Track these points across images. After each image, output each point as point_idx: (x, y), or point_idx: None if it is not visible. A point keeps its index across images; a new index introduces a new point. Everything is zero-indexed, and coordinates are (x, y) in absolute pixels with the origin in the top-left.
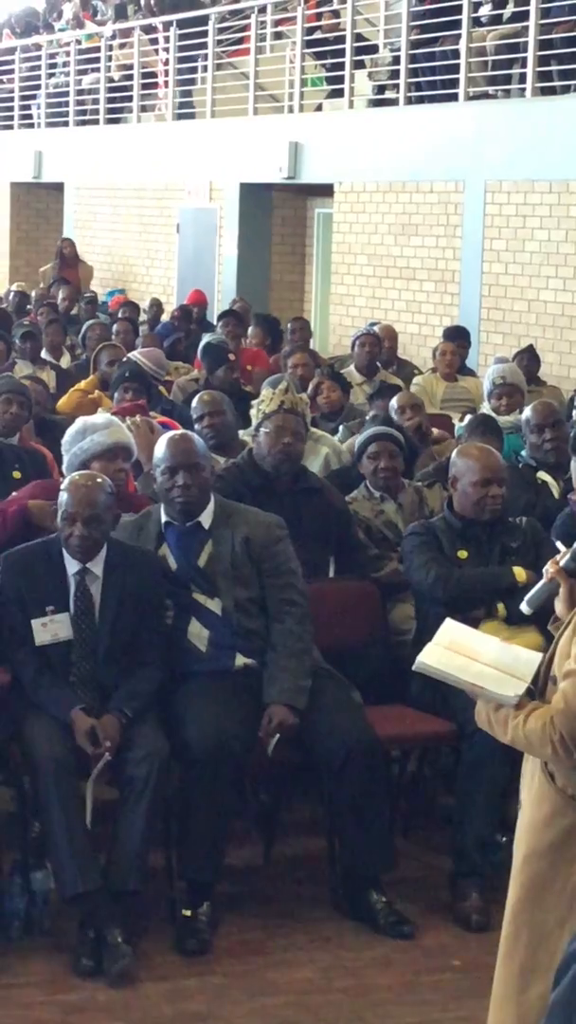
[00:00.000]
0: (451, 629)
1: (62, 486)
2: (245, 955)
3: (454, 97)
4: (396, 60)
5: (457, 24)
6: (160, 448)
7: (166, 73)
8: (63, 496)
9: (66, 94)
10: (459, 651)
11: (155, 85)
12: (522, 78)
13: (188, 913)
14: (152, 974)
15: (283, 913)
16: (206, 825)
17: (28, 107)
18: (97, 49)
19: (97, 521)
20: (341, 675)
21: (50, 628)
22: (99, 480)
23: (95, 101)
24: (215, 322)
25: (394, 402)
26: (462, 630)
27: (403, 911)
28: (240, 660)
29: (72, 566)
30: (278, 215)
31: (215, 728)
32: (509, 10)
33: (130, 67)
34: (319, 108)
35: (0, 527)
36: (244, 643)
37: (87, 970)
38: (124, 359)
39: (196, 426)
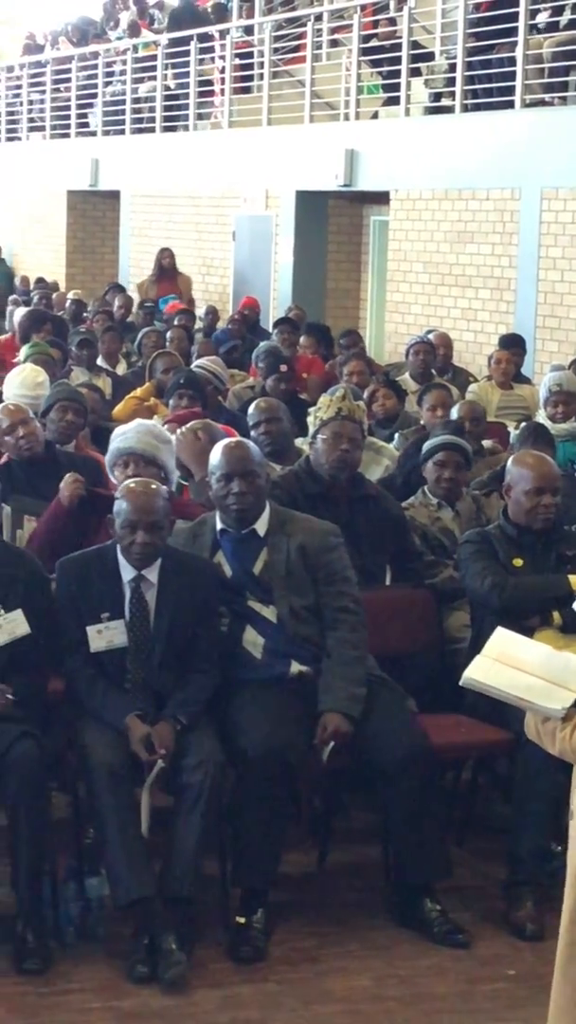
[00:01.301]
0: (502, 639)
1: (118, 493)
2: (299, 963)
3: (510, 104)
4: (452, 67)
5: (514, 31)
6: (215, 455)
7: (222, 81)
8: (121, 504)
9: (122, 102)
10: (508, 662)
11: (211, 93)
12: None
13: (242, 920)
14: (206, 981)
15: (337, 921)
16: (260, 832)
17: (85, 115)
18: (153, 57)
19: (158, 528)
20: (396, 683)
21: (105, 635)
22: (154, 486)
23: (151, 109)
24: (270, 329)
25: (455, 412)
26: (513, 639)
27: (457, 920)
28: (295, 667)
29: (127, 573)
30: (334, 223)
31: (270, 735)
32: (566, 17)
33: (187, 75)
34: (375, 116)
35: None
36: (299, 650)
37: (141, 977)
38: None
39: (252, 432)
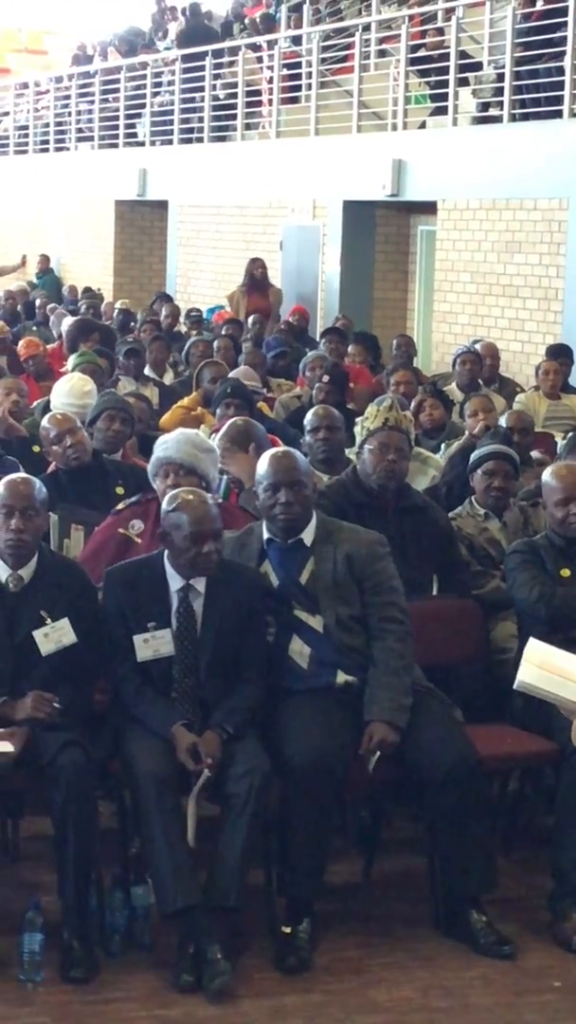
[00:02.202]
0: (538, 649)
1: (173, 506)
2: (344, 973)
3: (558, 114)
4: (500, 77)
5: (562, 41)
6: (262, 465)
7: (270, 91)
8: (181, 516)
9: (171, 112)
10: (551, 670)
11: (259, 103)
12: None
13: (288, 930)
14: (251, 991)
15: (383, 931)
16: (306, 842)
17: (133, 125)
18: (202, 68)
19: (220, 536)
20: (442, 693)
21: (152, 644)
22: (204, 494)
23: (199, 119)
24: (318, 339)
25: (503, 421)
26: (548, 650)
27: (503, 931)
28: (341, 677)
29: (175, 582)
30: (381, 232)
31: (316, 745)
32: None
33: (235, 85)
34: (423, 126)
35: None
36: (345, 660)
37: (187, 986)
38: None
39: (308, 438)
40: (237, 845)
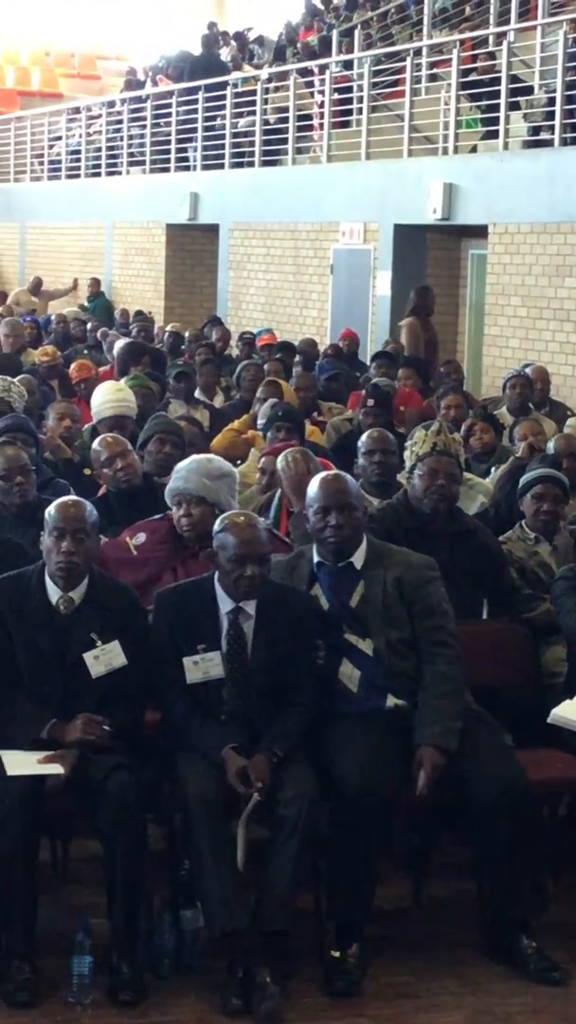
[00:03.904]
0: None
1: (221, 527)
2: (394, 998)
3: None
4: (551, 101)
5: None
6: (312, 488)
7: (321, 115)
8: (227, 538)
9: (222, 136)
10: None
11: (310, 127)
12: None
13: (337, 954)
14: (300, 1015)
15: (432, 956)
16: (355, 866)
17: (184, 149)
18: (253, 92)
19: (265, 560)
20: (492, 717)
21: (201, 666)
22: (255, 518)
23: (251, 143)
24: (368, 363)
25: (551, 446)
26: None
27: (553, 956)
28: (391, 701)
29: (225, 605)
30: (432, 256)
31: (365, 769)
32: None
33: (286, 109)
34: (474, 149)
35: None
36: (395, 684)
37: (236, 1010)
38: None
39: (362, 461)
40: (286, 869)
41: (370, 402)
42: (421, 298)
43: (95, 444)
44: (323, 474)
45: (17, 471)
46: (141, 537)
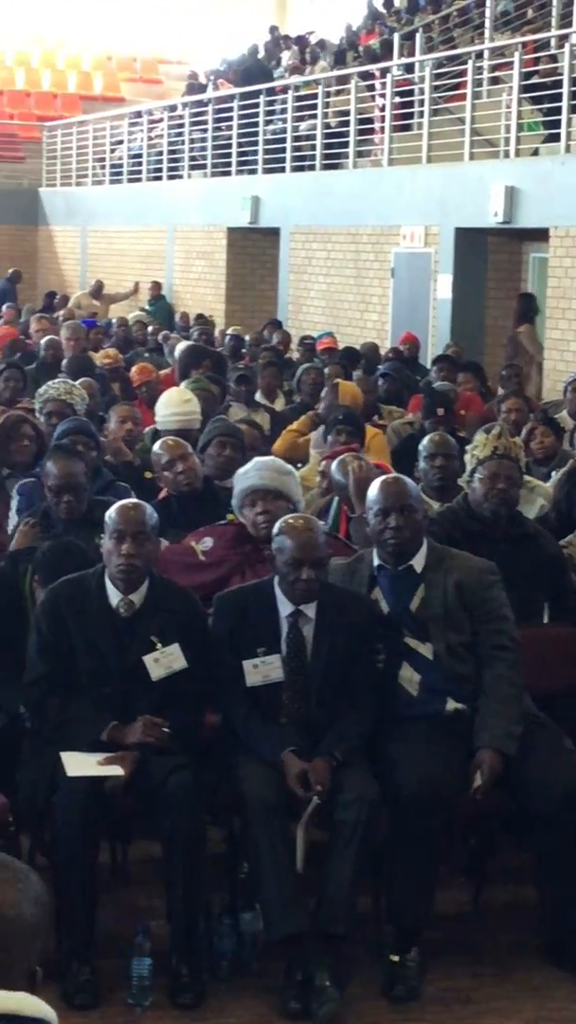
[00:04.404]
0: None
1: (279, 530)
2: (453, 1003)
3: None
4: None
5: None
6: (372, 491)
7: (382, 119)
8: (284, 541)
9: (283, 140)
10: None
11: (371, 131)
12: None
13: (396, 958)
14: (359, 1019)
15: (492, 961)
16: (415, 870)
17: (245, 153)
18: (314, 95)
19: (322, 564)
20: (552, 722)
21: (261, 669)
22: (313, 521)
23: (312, 147)
24: (429, 366)
25: None
26: None
27: None
28: (451, 705)
29: (285, 608)
30: (493, 260)
31: (425, 773)
32: None
33: (347, 113)
34: (535, 152)
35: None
36: (455, 688)
37: (295, 1013)
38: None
39: (423, 465)
40: (345, 872)
41: (440, 411)
42: (526, 304)
43: (156, 447)
44: (383, 477)
45: (67, 488)
46: (208, 542)
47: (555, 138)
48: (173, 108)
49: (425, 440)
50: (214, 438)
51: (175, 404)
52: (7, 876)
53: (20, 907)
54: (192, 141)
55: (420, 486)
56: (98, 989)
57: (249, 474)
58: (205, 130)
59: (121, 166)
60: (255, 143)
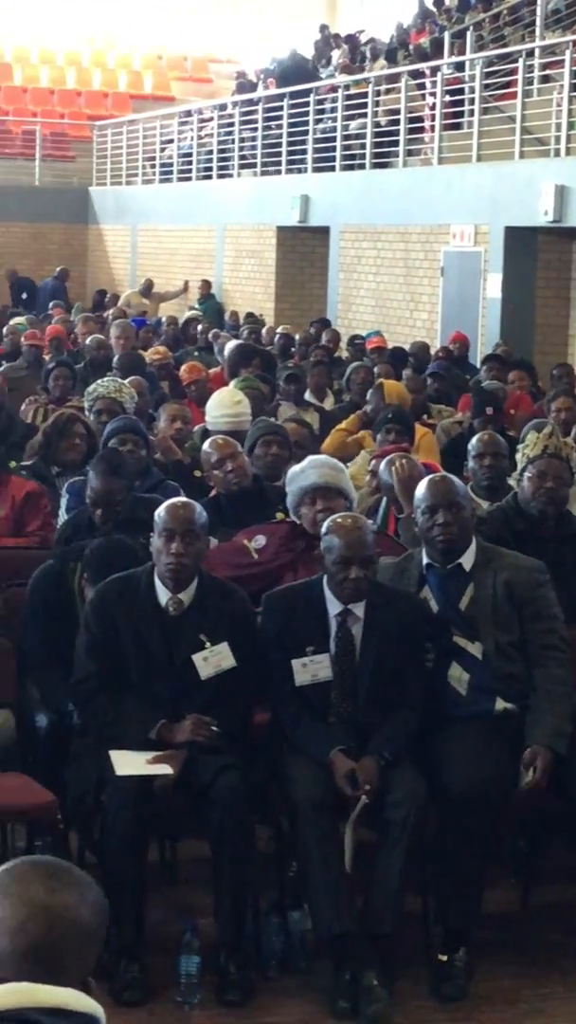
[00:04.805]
0: None
1: (328, 529)
2: (501, 1003)
3: None
4: None
5: None
6: (420, 489)
7: (432, 117)
8: (333, 539)
9: (333, 139)
10: None
11: (421, 129)
12: None
13: (444, 958)
14: (408, 1018)
15: (540, 961)
16: (463, 870)
17: (295, 152)
18: (364, 94)
19: (370, 562)
20: None
21: (310, 668)
22: (362, 520)
23: (361, 145)
24: (478, 365)
25: None
26: None
27: None
28: (500, 704)
29: (334, 607)
30: (543, 259)
31: (473, 773)
32: None
33: (397, 111)
34: None
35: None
36: (504, 687)
37: (343, 1012)
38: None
39: (472, 464)
40: (393, 872)
41: (489, 410)
42: None
43: (206, 446)
44: (431, 476)
45: (102, 504)
46: (261, 539)
47: None
48: (223, 107)
49: (474, 439)
50: (260, 437)
51: (226, 405)
52: (71, 881)
53: (80, 912)
54: (242, 140)
55: (469, 485)
56: (147, 986)
57: (306, 473)
58: (255, 129)
59: (171, 165)
60: (305, 142)
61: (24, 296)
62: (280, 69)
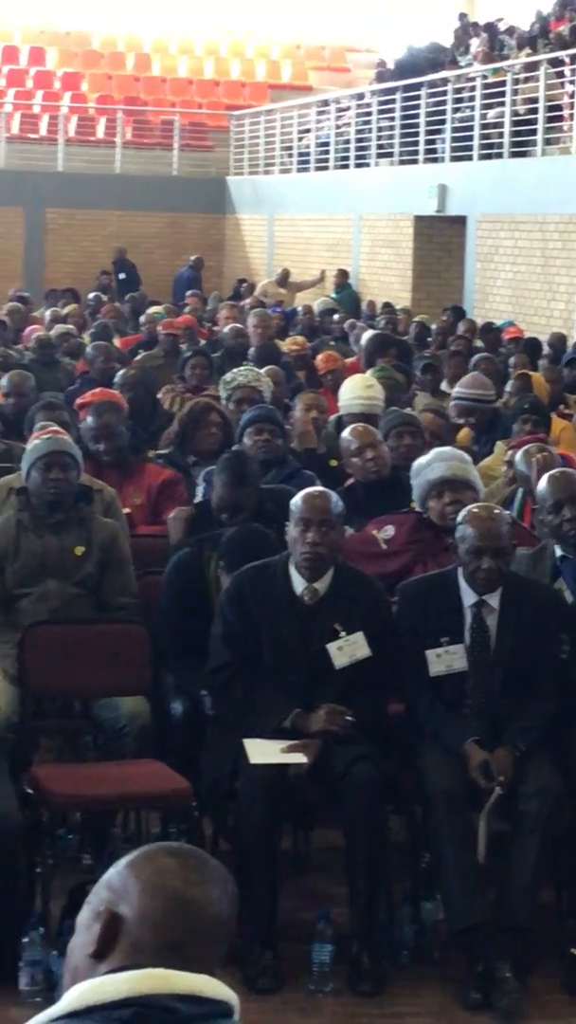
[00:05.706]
0: None
1: (463, 519)
2: None
3: None
4: None
5: None
6: (542, 486)
7: (571, 106)
8: (466, 530)
9: (471, 128)
10: None
11: (560, 118)
12: None
13: None
14: (541, 1012)
15: None
16: None
17: (433, 141)
18: (503, 83)
19: (503, 553)
20: None
21: (444, 659)
22: (497, 511)
23: (499, 134)
24: None
25: None
26: None
27: None
28: None
29: (468, 598)
30: None
31: None
32: None
33: (536, 100)
34: None
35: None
36: None
37: (476, 1004)
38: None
39: None
40: (528, 863)
41: None
42: None
43: (346, 433)
44: (552, 471)
45: (229, 511)
46: (390, 530)
47: None
48: (360, 96)
49: None
50: (392, 428)
51: (358, 388)
52: (211, 875)
53: (221, 908)
54: (379, 129)
55: None
56: (280, 974)
57: (433, 466)
58: (392, 118)
59: (308, 154)
60: (442, 131)
61: (121, 276)
62: (398, 65)
